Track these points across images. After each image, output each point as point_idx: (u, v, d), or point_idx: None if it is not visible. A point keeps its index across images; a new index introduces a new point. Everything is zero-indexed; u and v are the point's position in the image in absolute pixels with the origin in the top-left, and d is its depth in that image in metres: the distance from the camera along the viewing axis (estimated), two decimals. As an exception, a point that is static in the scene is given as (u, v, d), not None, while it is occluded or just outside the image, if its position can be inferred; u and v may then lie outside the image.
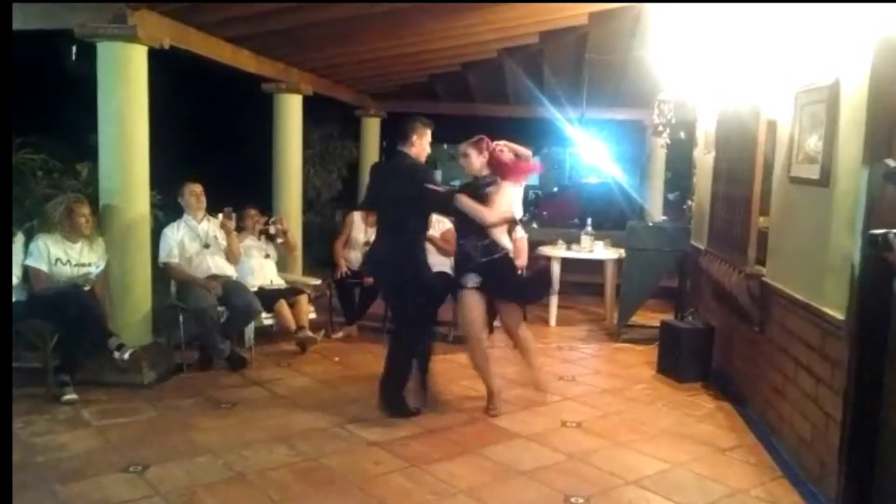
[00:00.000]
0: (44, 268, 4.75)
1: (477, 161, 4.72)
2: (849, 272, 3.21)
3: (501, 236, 4.66)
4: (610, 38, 7.74)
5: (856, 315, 3.16)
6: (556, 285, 7.29)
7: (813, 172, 3.69)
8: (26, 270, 4.76)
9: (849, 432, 3.22)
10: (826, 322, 3.45)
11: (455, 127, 13.77)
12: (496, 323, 6.63)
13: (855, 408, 3.18)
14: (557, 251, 7.41)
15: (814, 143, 3.72)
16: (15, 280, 4.68)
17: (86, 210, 4.87)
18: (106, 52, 4.93)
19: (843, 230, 3.34)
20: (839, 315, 3.29)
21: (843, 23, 3.45)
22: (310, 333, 5.77)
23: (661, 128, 6.99)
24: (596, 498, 3.50)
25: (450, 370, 5.61)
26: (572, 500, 3.47)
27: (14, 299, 4.65)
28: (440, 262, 6.60)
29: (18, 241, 4.78)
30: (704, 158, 6.53)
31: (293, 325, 5.78)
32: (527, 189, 8.30)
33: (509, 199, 4.62)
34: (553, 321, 7.32)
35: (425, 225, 4.94)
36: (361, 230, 6.80)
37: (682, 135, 7.33)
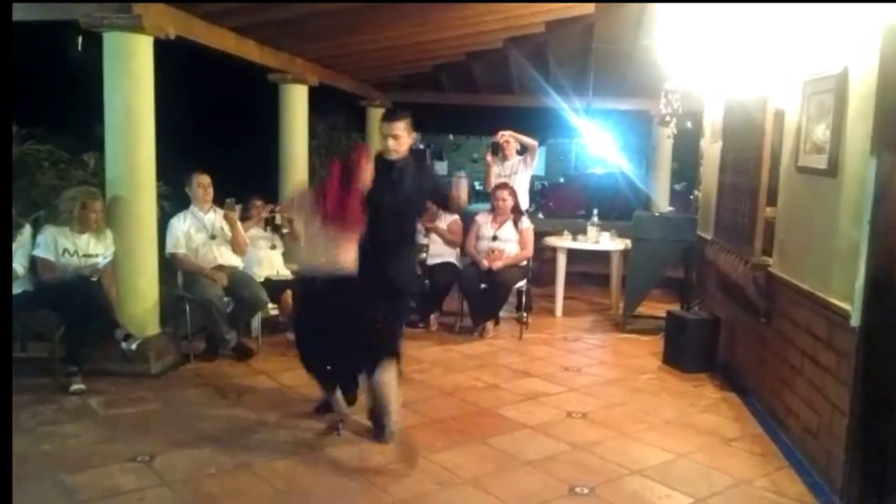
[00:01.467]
0: (51, 258, 4.77)
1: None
2: (856, 263, 3.20)
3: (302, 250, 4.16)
4: (616, 28, 7.72)
5: (864, 306, 3.15)
6: (561, 276, 7.29)
7: (821, 162, 3.67)
8: (33, 261, 4.78)
9: (855, 423, 3.21)
10: (833, 313, 3.43)
11: (460, 117, 13.80)
12: (502, 313, 6.68)
13: (862, 398, 3.18)
14: (563, 242, 7.39)
15: (821, 132, 3.70)
16: (21, 270, 4.70)
17: (98, 205, 4.88)
18: (111, 42, 4.92)
19: (850, 220, 3.33)
20: (846, 306, 3.28)
21: (851, 11, 3.42)
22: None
23: (668, 118, 6.96)
24: (600, 488, 3.50)
25: (455, 360, 5.63)
26: (577, 490, 3.48)
27: (21, 290, 4.69)
28: (447, 253, 6.63)
29: (26, 231, 4.80)
30: (711, 148, 6.51)
31: (299, 316, 5.79)
32: (533, 180, 8.32)
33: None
34: (559, 311, 7.32)
35: None
36: None
37: (689, 125, 7.30)
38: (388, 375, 3.89)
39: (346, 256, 3.78)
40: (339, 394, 4.17)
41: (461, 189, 4.27)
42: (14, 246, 4.66)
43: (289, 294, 5.78)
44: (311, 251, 3.90)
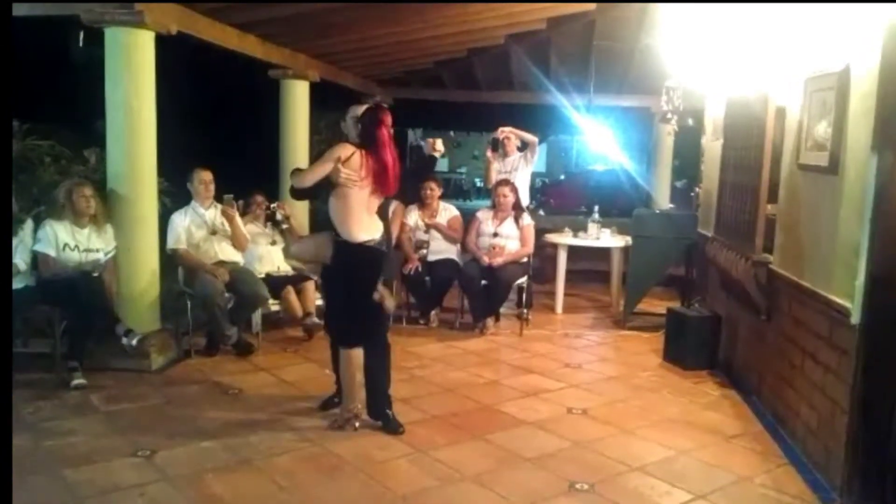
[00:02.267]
0: (52, 253, 4.77)
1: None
2: (857, 260, 3.20)
3: (353, 225, 3.88)
4: (617, 25, 7.72)
5: (865, 303, 3.15)
6: (562, 272, 7.29)
7: (822, 160, 3.67)
8: (35, 256, 4.79)
9: (856, 421, 3.21)
10: (834, 310, 3.43)
11: (461, 114, 13.80)
12: (502, 309, 6.68)
13: (863, 396, 3.18)
14: (564, 238, 7.40)
15: (823, 129, 3.70)
16: (23, 266, 4.71)
17: (87, 191, 4.88)
18: (113, 37, 4.92)
19: (851, 218, 3.33)
20: (847, 303, 3.28)
21: (854, 9, 3.42)
22: (316, 320, 5.77)
23: (669, 115, 6.95)
24: (601, 485, 3.51)
25: (455, 357, 5.63)
26: (577, 486, 3.48)
27: (23, 285, 4.70)
28: (447, 249, 6.63)
29: (27, 226, 4.81)
30: (712, 146, 6.50)
31: (300, 312, 5.80)
32: (534, 176, 8.32)
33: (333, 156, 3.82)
34: (559, 308, 7.32)
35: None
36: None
37: (691, 122, 7.29)
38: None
39: (379, 229, 3.99)
40: (363, 393, 4.11)
41: (431, 142, 4.34)
42: (15, 241, 4.67)
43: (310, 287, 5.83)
44: (358, 224, 3.89)
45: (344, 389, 4.11)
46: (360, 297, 3.95)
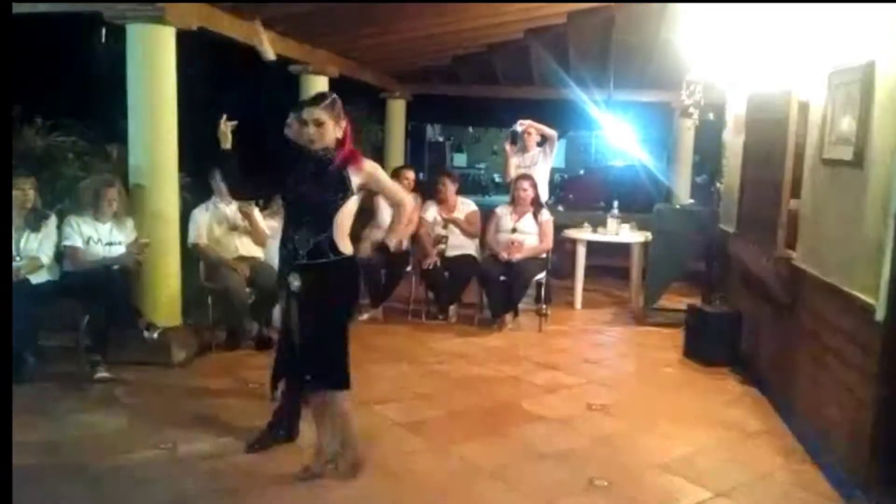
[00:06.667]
0: (81, 245, 4.84)
1: (332, 133, 3.25)
2: (882, 256, 3.16)
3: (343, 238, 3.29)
4: (637, 19, 7.66)
5: (890, 300, 3.11)
6: (581, 268, 7.26)
7: (846, 154, 3.62)
8: (59, 251, 4.85)
9: (880, 417, 3.18)
10: (858, 307, 3.39)
11: (480, 109, 13.75)
12: (521, 305, 6.67)
13: (887, 393, 3.14)
14: (583, 234, 7.37)
15: (847, 124, 3.65)
16: (46, 260, 4.77)
17: (112, 193, 4.93)
18: (135, 34, 4.95)
19: (876, 213, 3.28)
20: (871, 300, 3.24)
21: (877, 2, 3.37)
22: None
23: (690, 109, 6.90)
24: (620, 481, 3.50)
25: (474, 352, 5.63)
26: (597, 483, 3.47)
27: (45, 279, 4.76)
28: (466, 244, 6.63)
29: (51, 222, 4.86)
30: (734, 140, 6.45)
31: (319, 307, 5.81)
32: (553, 172, 8.30)
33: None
34: (578, 304, 7.29)
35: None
36: (387, 211, 6.81)
37: (711, 116, 7.24)
38: None
39: None
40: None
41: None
42: (39, 236, 4.74)
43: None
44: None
45: (347, 438, 3.50)
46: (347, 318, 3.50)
